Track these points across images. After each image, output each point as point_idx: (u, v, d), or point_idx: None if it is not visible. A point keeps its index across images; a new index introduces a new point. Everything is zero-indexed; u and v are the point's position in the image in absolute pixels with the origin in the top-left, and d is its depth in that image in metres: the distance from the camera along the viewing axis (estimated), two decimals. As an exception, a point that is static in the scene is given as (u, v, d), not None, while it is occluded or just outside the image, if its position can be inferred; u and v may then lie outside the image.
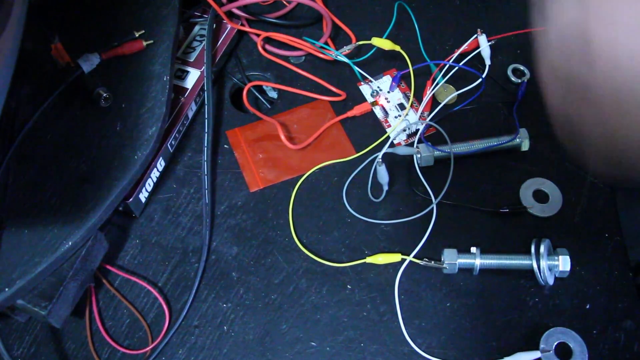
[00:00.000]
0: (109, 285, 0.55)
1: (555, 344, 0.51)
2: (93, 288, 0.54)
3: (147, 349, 0.53)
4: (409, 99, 0.65)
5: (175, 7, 0.63)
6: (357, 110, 0.64)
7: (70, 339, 0.53)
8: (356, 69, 0.66)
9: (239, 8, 0.69)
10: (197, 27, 0.69)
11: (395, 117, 0.64)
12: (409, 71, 0.64)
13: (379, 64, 0.68)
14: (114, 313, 0.54)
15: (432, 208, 0.57)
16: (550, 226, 0.58)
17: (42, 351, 0.53)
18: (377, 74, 0.67)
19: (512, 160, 0.61)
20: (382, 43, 0.65)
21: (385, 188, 0.58)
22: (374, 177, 0.59)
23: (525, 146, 0.61)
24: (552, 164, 0.61)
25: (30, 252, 0.48)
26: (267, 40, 0.69)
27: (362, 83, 0.67)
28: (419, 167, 0.60)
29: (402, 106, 0.65)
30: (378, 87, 0.66)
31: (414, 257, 0.55)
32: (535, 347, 0.51)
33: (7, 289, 0.47)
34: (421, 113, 0.64)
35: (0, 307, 0.48)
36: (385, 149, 0.58)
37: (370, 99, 0.66)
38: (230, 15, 0.70)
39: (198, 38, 0.68)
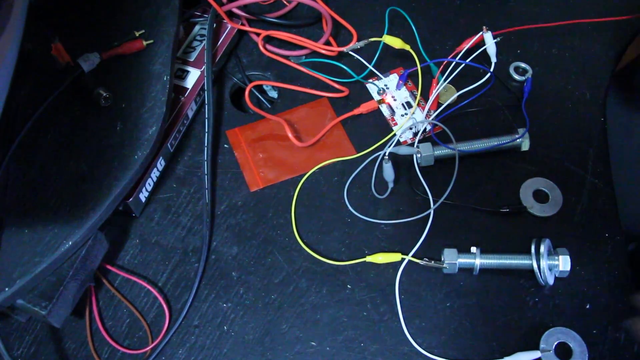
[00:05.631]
0: (109, 285, 0.55)
1: (555, 343, 0.51)
2: (93, 288, 0.54)
3: (147, 348, 0.53)
4: (415, 98, 0.65)
5: (175, 7, 0.63)
6: (364, 108, 0.64)
7: (70, 338, 0.53)
8: (370, 67, 0.66)
9: (239, 8, 0.69)
10: (197, 27, 0.69)
11: (402, 116, 0.64)
12: (416, 70, 0.64)
13: (383, 62, 0.68)
14: (114, 313, 0.54)
15: (431, 211, 0.57)
16: (550, 226, 0.58)
17: (42, 351, 0.53)
18: (383, 72, 0.67)
19: (512, 160, 0.61)
20: (393, 41, 0.65)
21: (391, 185, 0.58)
22: (378, 174, 0.59)
23: (525, 146, 0.61)
24: (552, 164, 0.61)
25: (30, 252, 0.48)
26: (268, 39, 0.69)
27: (368, 82, 0.67)
28: (419, 167, 0.60)
29: (408, 104, 0.65)
30: (385, 85, 0.66)
31: (415, 256, 0.55)
32: (535, 347, 0.51)
33: (7, 289, 0.47)
34: (427, 112, 0.64)
35: (0, 307, 0.48)
36: (392, 147, 0.58)
37: (376, 97, 0.66)
38: (231, 15, 0.70)
39: (198, 38, 0.68)
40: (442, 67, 0.65)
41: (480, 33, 0.66)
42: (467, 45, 0.65)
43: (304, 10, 0.72)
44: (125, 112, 0.57)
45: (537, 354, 0.51)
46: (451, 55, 0.66)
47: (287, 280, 0.56)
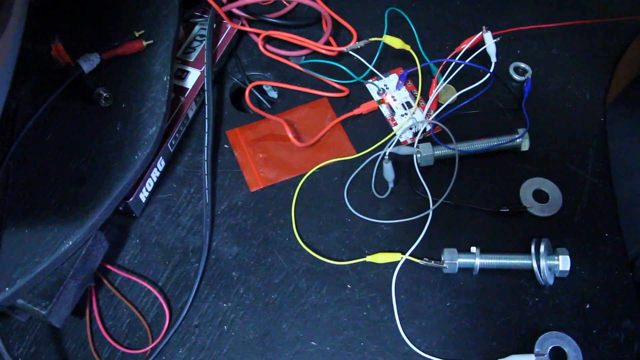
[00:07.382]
0: (109, 285, 0.55)
1: (550, 348, 0.51)
2: (93, 288, 0.54)
3: (147, 348, 0.53)
4: (415, 98, 0.65)
5: (175, 7, 0.63)
6: (364, 108, 0.64)
7: (70, 338, 0.53)
8: (370, 67, 0.66)
9: (239, 8, 0.69)
10: (197, 27, 0.69)
11: (402, 116, 0.64)
12: (416, 70, 0.64)
13: (383, 62, 0.68)
14: (114, 313, 0.54)
15: (430, 211, 0.57)
16: (550, 226, 0.58)
17: (43, 351, 0.53)
18: (383, 72, 0.67)
19: (512, 160, 0.61)
20: (393, 41, 0.65)
21: (391, 185, 0.58)
22: (378, 174, 0.59)
23: (525, 146, 0.61)
24: (552, 164, 0.61)
25: (30, 252, 0.48)
26: (268, 40, 0.69)
27: (368, 82, 0.67)
28: (419, 167, 0.60)
29: (408, 104, 0.65)
30: (385, 85, 0.66)
31: (415, 256, 0.55)
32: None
33: (7, 289, 0.47)
34: (427, 112, 0.64)
35: (0, 307, 0.48)
36: (392, 147, 0.58)
37: (376, 97, 0.66)
38: (231, 15, 0.70)
39: (198, 38, 0.68)
40: (441, 67, 0.65)
41: (480, 33, 0.66)
42: (466, 45, 0.65)
43: (303, 10, 0.72)
44: (125, 112, 0.57)
45: (532, 357, 0.51)
46: (451, 55, 0.66)
47: (287, 280, 0.56)
